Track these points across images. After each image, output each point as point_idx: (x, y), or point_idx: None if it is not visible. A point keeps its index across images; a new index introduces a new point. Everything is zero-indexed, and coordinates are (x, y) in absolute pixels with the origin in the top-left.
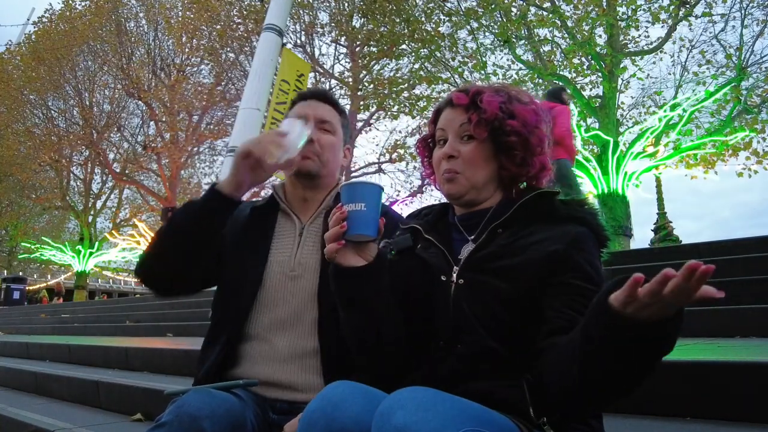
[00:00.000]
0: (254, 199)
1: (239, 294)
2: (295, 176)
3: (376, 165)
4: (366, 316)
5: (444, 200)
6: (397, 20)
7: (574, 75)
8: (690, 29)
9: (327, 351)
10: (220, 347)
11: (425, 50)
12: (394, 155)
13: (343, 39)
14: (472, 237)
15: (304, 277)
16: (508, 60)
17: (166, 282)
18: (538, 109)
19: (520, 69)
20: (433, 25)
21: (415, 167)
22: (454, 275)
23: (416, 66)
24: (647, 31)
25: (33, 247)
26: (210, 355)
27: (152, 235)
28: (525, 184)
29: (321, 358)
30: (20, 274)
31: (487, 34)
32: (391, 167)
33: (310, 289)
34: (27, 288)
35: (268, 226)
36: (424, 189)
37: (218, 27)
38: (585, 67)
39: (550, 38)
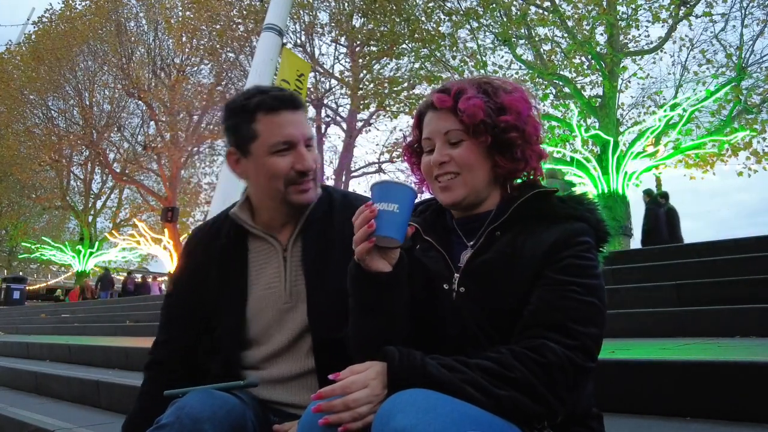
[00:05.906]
0: (207, 224)
1: (227, 333)
2: (289, 205)
3: (376, 165)
4: (380, 322)
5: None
6: (397, 20)
7: (575, 75)
8: (690, 29)
9: (324, 370)
10: (215, 374)
11: (425, 50)
12: (394, 155)
13: (343, 39)
14: (471, 243)
15: (298, 307)
16: (508, 60)
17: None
18: (525, 95)
19: (520, 68)
20: (434, 25)
21: None
22: (455, 284)
23: (416, 65)
24: (647, 31)
25: (33, 247)
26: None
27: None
28: (524, 176)
29: (318, 377)
30: (20, 274)
31: (487, 33)
32: (391, 167)
33: (303, 318)
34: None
35: (241, 258)
36: (423, 189)
37: (218, 27)
38: (585, 66)
39: (550, 37)
